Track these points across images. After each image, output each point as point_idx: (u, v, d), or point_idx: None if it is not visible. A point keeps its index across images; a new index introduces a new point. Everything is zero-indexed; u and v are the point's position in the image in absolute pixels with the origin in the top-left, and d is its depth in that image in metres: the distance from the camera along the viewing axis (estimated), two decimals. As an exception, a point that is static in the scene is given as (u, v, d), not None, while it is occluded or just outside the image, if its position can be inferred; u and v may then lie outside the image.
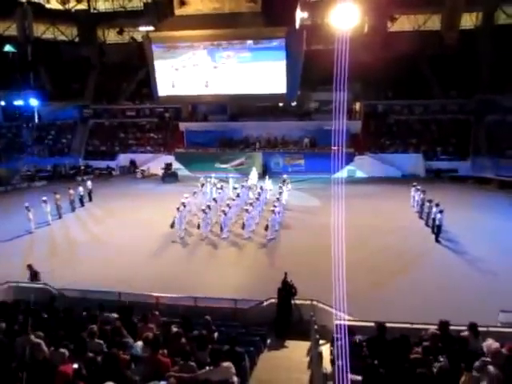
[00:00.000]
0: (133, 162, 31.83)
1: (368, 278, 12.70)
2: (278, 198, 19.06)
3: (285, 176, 23.52)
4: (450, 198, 20.85)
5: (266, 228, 16.58)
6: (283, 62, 17.13)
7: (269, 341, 9.18)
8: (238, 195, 19.56)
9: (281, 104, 30.14)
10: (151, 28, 18.29)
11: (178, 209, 17.02)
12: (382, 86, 31.40)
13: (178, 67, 19.66)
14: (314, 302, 9.75)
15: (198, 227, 17.10)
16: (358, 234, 16.37)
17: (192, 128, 32.43)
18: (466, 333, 6.40)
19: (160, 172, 29.22)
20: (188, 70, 20.01)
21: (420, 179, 25.70)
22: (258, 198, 19.18)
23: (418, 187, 20.44)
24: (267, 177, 23.89)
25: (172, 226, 16.83)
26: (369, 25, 23.14)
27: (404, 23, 29.87)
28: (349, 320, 8.83)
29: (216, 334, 7.35)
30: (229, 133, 31.67)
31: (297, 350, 8.88)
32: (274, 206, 17.38)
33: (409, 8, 27.25)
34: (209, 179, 23.00)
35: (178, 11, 15.92)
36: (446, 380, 5.05)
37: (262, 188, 21.28)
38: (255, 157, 29.75)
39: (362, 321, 8.69)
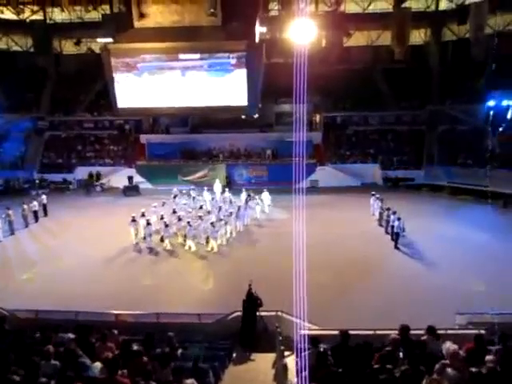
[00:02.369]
0: (92, 175, 30.74)
1: (332, 285, 12.88)
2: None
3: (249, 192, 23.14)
4: (406, 205, 21.66)
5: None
6: (244, 75, 17.26)
7: (234, 354, 9.04)
8: (208, 211, 19.49)
9: (243, 116, 30.36)
10: (110, 40, 17.92)
11: (147, 221, 16.87)
12: (340, 98, 32.38)
13: (138, 79, 19.36)
14: (279, 313, 9.73)
15: (162, 240, 16.88)
16: (321, 242, 16.59)
17: (153, 140, 31.91)
18: (425, 336, 6.58)
19: (121, 185, 28.44)
20: (149, 83, 19.75)
21: (378, 188, 26.57)
22: (219, 209, 19.16)
23: (377, 196, 21.14)
24: (244, 191, 23.45)
25: (144, 237, 16.81)
26: (326, 39, 23.82)
27: (359, 38, 31.02)
28: (313, 329, 8.89)
29: (180, 351, 7.14)
30: (191, 145, 31.41)
31: (263, 362, 8.79)
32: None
33: (362, 24, 28.40)
34: (184, 191, 23.05)
35: (137, 23, 15.67)
36: (409, 383, 5.15)
37: (231, 201, 21.20)
38: (219, 169, 29.64)
39: (327, 329, 8.75)
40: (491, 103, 29.02)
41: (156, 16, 15.79)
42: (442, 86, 30.26)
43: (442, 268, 14.19)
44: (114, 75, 17.97)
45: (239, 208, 19.47)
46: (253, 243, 17.44)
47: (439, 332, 7.24)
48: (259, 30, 17.59)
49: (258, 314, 9.75)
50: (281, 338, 8.56)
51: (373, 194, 21.57)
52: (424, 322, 7.22)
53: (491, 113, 29.29)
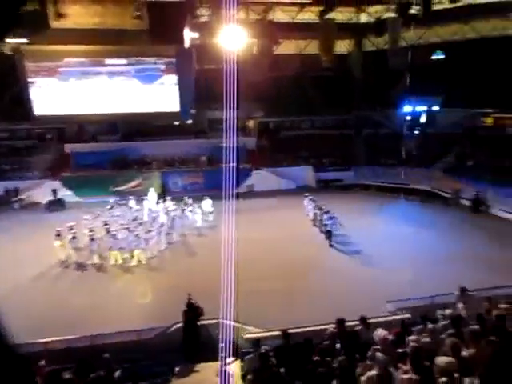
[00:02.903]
0: (8, 191, 27.73)
1: (273, 287, 13.04)
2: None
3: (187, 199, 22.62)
4: (338, 204, 22.65)
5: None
6: (174, 81, 17.01)
7: (177, 368, 8.76)
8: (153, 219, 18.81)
9: (176, 122, 29.83)
10: (24, 40, 16.46)
11: (73, 235, 15.88)
12: (273, 104, 33.14)
13: (63, 85, 18.13)
14: (221, 320, 9.61)
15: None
16: (260, 245, 16.79)
17: (79, 149, 29.99)
18: (359, 326, 6.91)
19: (44, 200, 26.20)
20: (74, 88, 18.60)
21: (312, 189, 27.55)
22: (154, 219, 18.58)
23: (311, 197, 21.89)
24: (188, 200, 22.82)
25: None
26: (256, 47, 24.30)
27: (288, 46, 32.06)
28: (255, 332, 8.92)
29: (118, 373, 6.73)
30: (123, 153, 30.04)
31: (207, 371, 8.64)
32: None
33: (291, 33, 29.40)
34: (124, 201, 22.21)
35: (54, 24, 14.62)
36: (346, 374, 5.35)
37: (168, 211, 20.54)
38: (153, 177, 28.73)
39: (269, 331, 8.84)
40: (407, 109, 31.72)
41: (76, 17, 14.91)
42: (365, 93, 32.29)
43: (374, 261, 15.07)
44: (32, 80, 16.70)
45: (174, 218, 18.99)
46: (191, 252, 17.12)
47: (372, 320, 7.65)
48: (189, 35, 17.42)
49: (199, 323, 9.57)
50: (223, 344, 8.47)
51: (306, 196, 22.29)
52: (359, 313, 7.59)
53: (408, 118, 32.12)
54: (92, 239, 15.95)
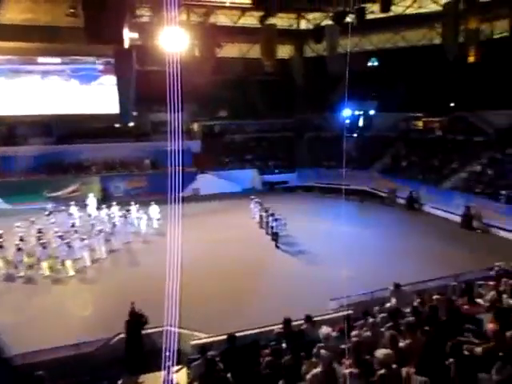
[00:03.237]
0: None
1: (221, 292, 12.94)
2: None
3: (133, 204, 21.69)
4: (283, 206, 23.02)
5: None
6: (113, 82, 16.33)
7: (120, 381, 8.36)
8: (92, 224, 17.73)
9: (117, 125, 28.71)
10: None
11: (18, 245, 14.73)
12: (217, 108, 33.10)
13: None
14: (167, 327, 9.34)
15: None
16: (207, 249, 16.63)
17: (9, 153, 27.74)
18: (304, 325, 7.03)
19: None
20: (4, 88, 17.20)
21: (257, 192, 27.76)
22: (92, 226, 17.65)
23: (256, 200, 22.05)
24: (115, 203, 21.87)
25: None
26: (199, 49, 24.04)
27: (232, 50, 32.13)
28: (202, 338, 8.77)
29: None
30: (58, 157, 28.26)
31: (152, 382, 8.33)
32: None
33: (233, 37, 29.51)
34: (63, 207, 21.02)
35: (-21, 18, 13.51)
36: (292, 373, 5.40)
37: (110, 217, 19.57)
38: (92, 182, 27.40)
39: (216, 336, 8.74)
40: (346, 113, 33.06)
41: (6, 12, 13.86)
42: (307, 98, 33.24)
43: (318, 260, 15.51)
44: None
45: (114, 224, 18.17)
46: (135, 260, 16.50)
47: (317, 318, 7.82)
48: (129, 35, 16.81)
49: (143, 332, 9.23)
50: (168, 353, 8.23)
51: (252, 198, 22.44)
52: (305, 312, 7.73)
53: (347, 121, 33.52)
54: (19, 249, 14.73)
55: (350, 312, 9.12)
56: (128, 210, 20.11)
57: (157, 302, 11.51)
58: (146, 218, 19.86)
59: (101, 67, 18.73)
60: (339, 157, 32.61)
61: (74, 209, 21.04)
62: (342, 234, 18.77)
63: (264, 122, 34.63)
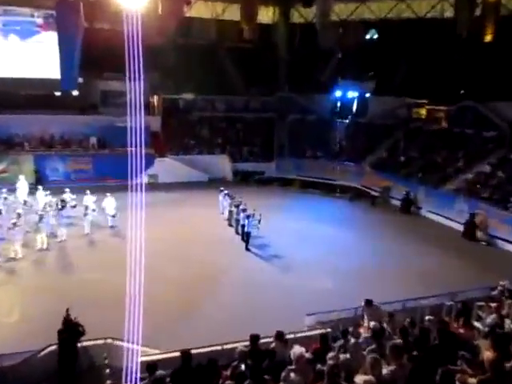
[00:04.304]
0: None
1: (175, 301, 12.92)
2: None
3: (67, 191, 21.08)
4: (257, 201, 23.07)
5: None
6: (55, 40, 15.83)
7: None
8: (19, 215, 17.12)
9: (57, 93, 27.91)
10: None
11: None
12: (183, 79, 32.61)
13: None
14: (109, 340, 9.32)
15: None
16: (162, 249, 16.47)
17: None
18: (274, 343, 7.14)
19: None
20: None
21: (228, 183, 27.83)
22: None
23: (226, 192, 22.05)
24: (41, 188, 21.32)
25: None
26: (162, 7, 23.64)
27: (203, 10, 31.77)
28: (151, 354, 8.77)
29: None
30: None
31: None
32: None
33: (204, -7, 29.29)
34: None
35: None
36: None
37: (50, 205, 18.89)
38: (24, 161, 26.61)
39: (167, 352, 8.75)
40: (338, 94, 33.32)
41: None
42: (291, 73, 33.27)
43: (293, 267, 15.72)
44: None
45: (42, 216, 17.28)
46: (72, 260, 16.17)
47: (290, 336, 7.96)
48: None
49: (79, 345, 9.14)
50: (108, 370, 8.21)
51: (221, 190, 22.42)
52: (275, 328, 7.84)
53: (338, 104, 33.75)
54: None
55: (328, 330, 9.31)
56: (63, 201, 19.43)
57: (97, 310, 11.52)
58: (90, 210, 19.22)
59: (39, 21, 17.98)
60: (326, 146, 33.29)
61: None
62: (323, 237, 19.11)
63: (239, 99, 34.55)
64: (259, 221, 18.08)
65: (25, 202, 20.30)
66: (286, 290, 13.76)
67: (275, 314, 11.71)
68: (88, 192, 20.26)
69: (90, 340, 9.35)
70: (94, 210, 19.45)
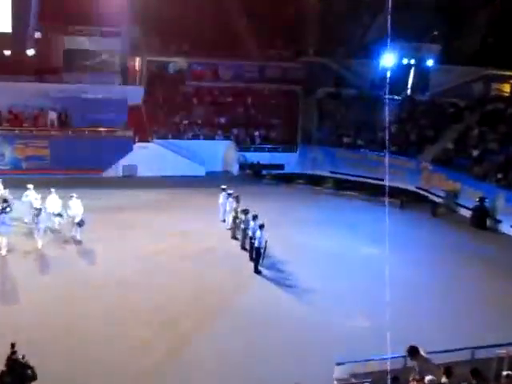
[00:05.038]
0: None
1: (159, 341, 12.93)
2: None
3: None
4: (273, 206, 23.19)
5: None
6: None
7: None
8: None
9: (7, 52, 28.30)
10: None
11: None
12: (175, 35, 32.75)
13: None
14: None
15: None
16: (140, 266, 16.67)
17: None
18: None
19: None
20: None
21: (233, 179, 27.90)
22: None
23: (230, 192, 22.02)
24: None
25: None
26: None
27: None
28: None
29: None
30: None
31: None
32: None
33: None
34: None
35: None
36: None
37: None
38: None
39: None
40: (387, 61, 32.99)
41: None
42: (323, 29, 33.07)
43: (319, 298, 15.61)
44: None
45: None
46: (17, 279, 16.30)
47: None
48: None
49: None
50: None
51: (223, 189, 22.40)
52: (293, 382, 7.86)
53: (387, 75, 33.34)
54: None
55: (367, 385, 9.31)
56: (5, 200, 19.51)
57: (58, 343, 11.60)
58: (43, 212, 19.19)
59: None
60: (370, 132, 32.94)
61: None
62: (362, 259, 18.97)
63: (250, 65, 34.67)
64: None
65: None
66: (309, 330, 13.67)
67: (293, 362, 11.65)
68: (31, 187, 20.06)
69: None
70: (59, 215, 19.56)
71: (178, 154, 29.94)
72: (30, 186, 20.02)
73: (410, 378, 8.90)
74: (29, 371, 9.29)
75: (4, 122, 28.98)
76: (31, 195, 19.83)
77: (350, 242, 20.56)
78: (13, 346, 9.39)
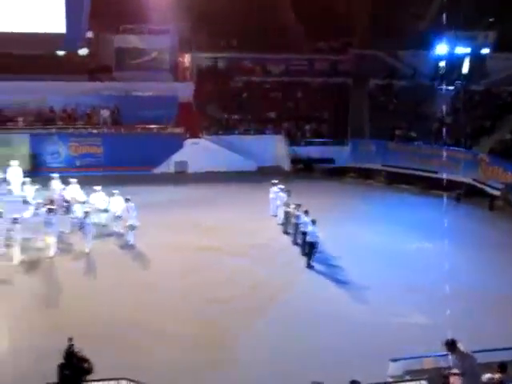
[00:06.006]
0: None
1: (207, 334, 13.05)
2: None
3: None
4: (324, 201, 23.05)
5: None
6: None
7: None
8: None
9: (60, 52, 28.97)
10: None
11: None
12: (224, 31, 32.90)
13: None
14: (124, 382, 9.63)
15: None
16: (191, 261, 16.85)
17: None
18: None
19: None
20: None
21: (283, 173, 27.87)
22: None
23: (281, 186, 22.02)
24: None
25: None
26: None
27: None
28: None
29: None
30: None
31: None
32: None
33: None
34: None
35: None
36: None
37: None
38: (16, 142, 27.93)
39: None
40: (441, 50, 32.44)
41: None
42: (374, 19, 32.67)
43: (373, 295, 15.44)
44: None
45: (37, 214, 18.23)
46: (71, 276, 16.71)
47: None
48: None
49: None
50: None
51: (274, 184, 22.42)
52: (347, 376, 7.78)
53: (441, 64, 32.81)
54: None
55: (423, 383, 9.15)
56: (66, 201, 20.25)
57: (107, 342, 11.85)
58: (91, 212, 19.59)
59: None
60: (424, 124, 32.38)
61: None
62: (417, 255, 18.69)
63: (300, 58, 34.53)
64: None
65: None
66: (362, 326, 13.50)
67: (345, 359, 11.56)
68: (98, 188, 20.55)
69: (98, 380, 9.61)
70: (105, 211, 20.00)
71: (229, 149, 30.07)
72: (98, 187, 20.58)
73: (449, 372, 8.69)
74: (85, 364, 9.51)
75: (59, 121, 29.74)
76: (98, 197, 20.39)
77: (403, 237, 20.27)
78: (70, 339, 9.62)
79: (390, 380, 10.23)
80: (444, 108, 31.44)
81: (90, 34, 27.83)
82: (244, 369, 11.61)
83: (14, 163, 23.57)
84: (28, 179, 22.08)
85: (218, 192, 25.79)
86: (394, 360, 10.37)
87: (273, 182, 22.74)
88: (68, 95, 30.07)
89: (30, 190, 21.24)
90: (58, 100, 30.06)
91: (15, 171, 23.26)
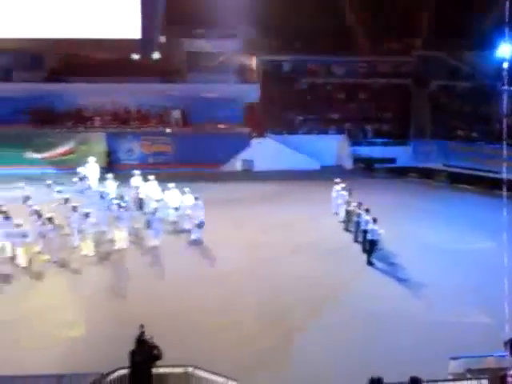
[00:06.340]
0: None
1: (271, 326, 13.15)
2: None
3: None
4: (385, 200, 22.74)
5: None
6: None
7: None
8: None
9: (135, 56, 29.61)
10: None
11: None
12: (289, 34, 32.88)
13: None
14: (190, 369, 9.77)
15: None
16: (255, 257, 16.96)
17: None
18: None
19: None
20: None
21: (345, 172, 27.68)
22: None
23: (343, 185, 21.87)
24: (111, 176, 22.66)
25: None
26: None
27: None
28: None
29: None
30: (48, 100, 29.89)
31: None
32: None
33: None
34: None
35: None
36: None
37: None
38: (94, 140, 28.80)
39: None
40: (505, 50, 31.31)
41: None
42: (437, 21, 31.95)
43: (431, 292, 15.16)
44: None
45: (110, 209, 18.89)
46: (149, 268, 17.14)
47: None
48: None
49: (154, 370, 9.70)
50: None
51: (337, 183, 22.30)
52: (407, 372, 7.72)
53: (505, 65, 31.70)
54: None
55: (484, 383, 8.96)
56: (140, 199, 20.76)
57: (175, 330, 12.14)
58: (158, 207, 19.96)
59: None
60: (486, 124, 31.45)
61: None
62: (480, 255, 18.11)
63: (362, 61, 34.14)
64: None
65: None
66: (422, 324, 13.32)
67: (405, 355, 11.45)
68: (172, 186, 20.71)
69: (167, 366, 9.83)
70: (176, 209, 20.19)
71: (293, 148, 30.09)
72: (172, 185, 20.80)
73: (506, 373, 8.43)
74: (155, 351, 9.74)
75: (133, 121, 30.51)
76: (172, 195, 20.59)
77: (464, 236, 19.75)
78: (142, 326, 9.87)
79: (450, 377, 10.05)
80: (507, 108, 30.53)
81: (162, 39, 28.30)
82: (304, 365, 11.58)
83: (92, 160, 24.43)
84: (110, 175, 22.67)
85: (282, 190, 25.85)
86: (455, 358, 10.18)
87: (335, 180, 22.58)
88: (142, 96, 30.77)
89: (112, 186, 21.80)
90: (132, 101, 30.83)
91: (93, 167, 24.14)
